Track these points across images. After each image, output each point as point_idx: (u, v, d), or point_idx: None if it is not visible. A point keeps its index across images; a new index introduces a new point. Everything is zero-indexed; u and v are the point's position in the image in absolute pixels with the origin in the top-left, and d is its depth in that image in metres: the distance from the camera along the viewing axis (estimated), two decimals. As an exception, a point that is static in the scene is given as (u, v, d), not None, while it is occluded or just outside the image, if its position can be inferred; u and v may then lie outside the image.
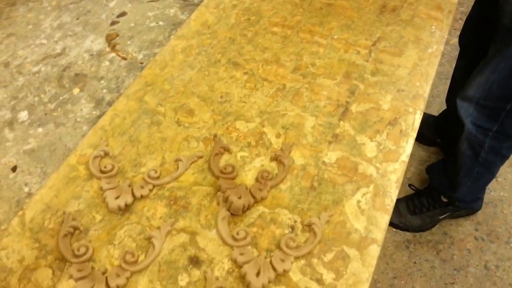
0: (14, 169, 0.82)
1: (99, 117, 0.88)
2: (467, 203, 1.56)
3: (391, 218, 1.63)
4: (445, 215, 1.58)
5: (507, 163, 1.77)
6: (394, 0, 1.05)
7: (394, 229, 1.59)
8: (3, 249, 0.70)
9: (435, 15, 1.01)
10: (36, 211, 0.74)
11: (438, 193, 1.54)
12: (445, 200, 1.52)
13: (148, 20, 1.05)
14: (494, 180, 1.72)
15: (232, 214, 0.72)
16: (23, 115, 0.89)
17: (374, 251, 0.68)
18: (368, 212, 0.72)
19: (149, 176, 0.76)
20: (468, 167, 1.39)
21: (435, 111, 1.84)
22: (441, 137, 1.77)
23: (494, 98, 1.20)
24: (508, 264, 1.58)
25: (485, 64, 1.18)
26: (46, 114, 0.88)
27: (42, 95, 0.91)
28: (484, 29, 1.19)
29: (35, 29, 1.03)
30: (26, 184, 0.80)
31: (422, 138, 1.80)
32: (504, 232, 1.66)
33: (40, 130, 0.86)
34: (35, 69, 0.96)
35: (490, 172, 1.42)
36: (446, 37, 0.96)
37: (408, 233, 1.59)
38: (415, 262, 1.54)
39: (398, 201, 1.61)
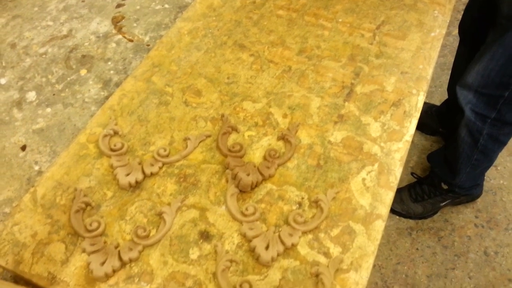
0: (23, 148, 0.83)
1: (107, 97, 0.89)
2: (466, 190, 1.59)
3: (394, 206, 1.66)
4: (446, 202, 1.61)
5: (506, 152, 1.80)
6: (397, -16, 1.06)
7: (397, 217, 1.61)
8: (16, 225, 0.71)
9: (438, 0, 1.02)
10: (48, 188, 0.75)
11: (439, 180, 1.57)
12: (445, 187, 1.55)
13: (153, 3, 1.05)
14: (493, 168, 1.75)
15: (240, 191, 0.74)
16: (31, 95, 0.90)
17: (379, 226, 0.70)
18: (373, 189, 0.74)
19: (158, 154, 0.78)
20: (467, 154, 1.41)
21: (437, 101, 1.86)
22: (443, 126, 1.79)
23: (493, 86, 1.22)
24: (507, 250, 1.61)
25: (484, 52, 1.20)
26: (54, 94, 0.89)
27: (50, 76, 0.92)
28: (483, 17, 1.20)
29: (41, 11, 1.04)
30: (36, 163, 0.81)
31: (424, 127, 1.82)
32: (503, 219, 1.69)
33: (48, 110, 0.87)
34: (41, 50, 0.96)
35: (488, 159, 1.44)
36: (448, 21, 0.98)
37: (410, 220, 1.62)
38: (417, 249, 1.57)
39: (401, 189, 1.64)
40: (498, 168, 1.77)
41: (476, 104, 1.27)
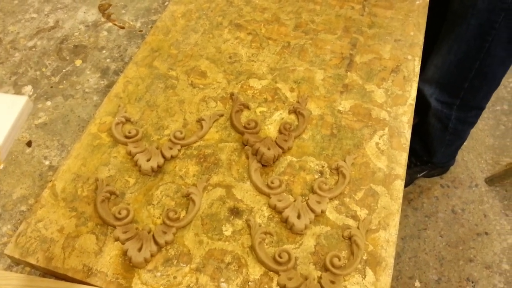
0: (29, 144, 0.81)
1: (108, 86, 0.88)
2: (444, 163, 1.68)
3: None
4: (422, 173, 1.69)
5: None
6: (377, -44, 1.09)
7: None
8: (40, 221, 0.70)
9: (417, -32, 1.06)
10: (66, 181, 0.74)
11: (417, 154, 1.64)
12: (425, 158, 1.62)
13: (138, -11, 1.04)
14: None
15: (263, 165, 0.76)
16: (27, 89, 0.87)
17: (399, 185, 0.74)
18: (388, 152, 0.77)
19: (175, 137, 0.78)
20: (439, 137, 1.49)
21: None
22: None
23: (452, 78, 1.29)
24: (472, 206, 1.71)
25: (440, 46, 1.27)
26: (51, 87, 0.87)
27: (44, 69, 0.90)
28: (438, 12, 1.26)
29: (22, 3, 1.00)
30: (45, 158, 0.79)
31: None
32: (466, 178, 1.79)
33: (48, 103, 0.85)
34: (30, 43, 0.93)
35: (460, 137, 1.52)
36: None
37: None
38: (391, 213, 1.65)
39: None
40: (458, 129, 1.86)
41: (440, 95, 1.34)
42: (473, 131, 1.57)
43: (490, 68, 1.23)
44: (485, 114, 1.90)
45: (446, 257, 1.57)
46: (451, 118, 1.40)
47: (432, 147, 1.54)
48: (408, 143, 0.79)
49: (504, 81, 1.47)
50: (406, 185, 1.69)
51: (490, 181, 1.72)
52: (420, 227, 1.67)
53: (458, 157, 1.77)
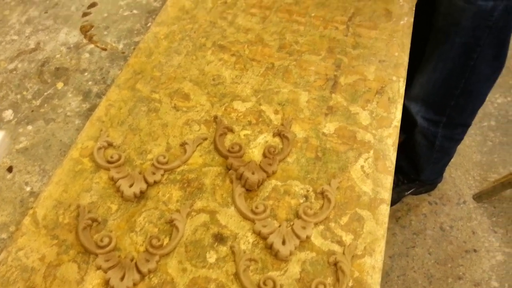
0: (10, 169, 0.79)
1: (90, 109, 0.87)
2: (431, 181, 1.68)
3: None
4: (410, 191, 1.69)
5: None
6: (360, -24, 1.10)
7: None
8: (21, 249, 0.68)
9: (401, -12, 1.07)
10: (48, 208, 0.73)
11: (404, 172, 1.64)
12: (412, 176, 1.62)
13: (121, 9, 1.03)
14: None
15: (247, 190, 0.75)
16: (8, 114, 0.86)
17: (384, 209, 0.73)
18: (373, 175, 0.77)
19: (158, 162, 0.77)
20: (426, 155, 1.49)
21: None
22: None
23: (438, 96, 1.30)
24: (460, 223, 1.70)
25: (425, 64, 1.28)
26: (32, 111, 0.86)
27: (25, 92, 0.88)
28: (423, 29, 1.27)
29: (2, 25, 0.99)
30: (26, 184, 0.78)
31: None
32: (454, 195, 1.79)
33: (30, 127, 0.84)
34: (10, 66, 0.92)
35: (447, 154, 1.53)
36: (414, 9, 1.03)
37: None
38: (377, 232, 1.64)
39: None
40: (445, 146, 1.87)
41: (426, 112, 1.35)
42: (460, 147, 1.58)
43: (475, 86, 1.23)
44: (472, 130, 1.91)
45: (435, 275, 1.56)
46: (437, 136, 1.40)
47: (419, 165, 1.54)
48: (393, 166, 0.78)
49: (490, 96, 1.48)
50: (393, 203, 1.68)
51: (478, 197, 1.72)
52: (408, 245, 1.66)
53: (446, 173, 1.77)
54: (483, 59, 1.15)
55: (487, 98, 1.32)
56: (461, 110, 1.32)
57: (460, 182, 1.81)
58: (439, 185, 1.77)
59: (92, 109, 0.89)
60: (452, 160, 1.59)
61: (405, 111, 1.37)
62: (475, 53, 1.14)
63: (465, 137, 1.44)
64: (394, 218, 1.72)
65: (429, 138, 1.42)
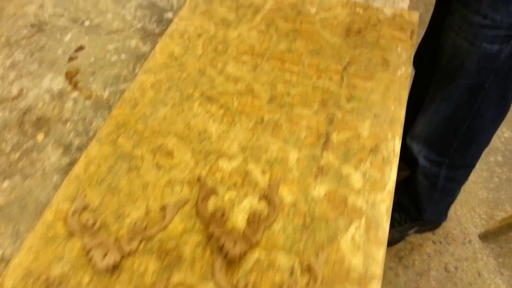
0: (-18, 230, 0.76)
1: (70, 164, 0.83)
2: (434, 220, 1.62)
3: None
4: (413, 229, 1.63)
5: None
6: (357, 22, 1.06)
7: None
8: (-17, 326, 0.64)
9: (399, 35, 1.03)
10: (16, 278, 0.68)
11: (407, 211, 1.59)
12: (414, 215, 1.57)
13: (109, 54, 1.00)
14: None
15: (228, 261, 0.70)
16: (-16, 168, 0.82)
17: (376, 286, 0.68)
18: (364, 247, 0.72)
19: (136, 228, 0.73)
20: (427, 195, 1.44)
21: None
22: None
23: (441, 137, 1.25)
24: (466, 264, 1.64)
25: (429, 104, 1.24)
26: (10, 165, 0.82)
27: (3, 144, 0.85)
28: (427, 69, 1.22)
29: (-14, 70, 0.96)
30: (-2, 246, 0.74)
31: None
32: (459, 234, 1.73)
33: (6, 184, 0.80)
34: (-9, 115, 0.89)
35: (450, 195, 1.47)
36: (412, 58, 0.98)
37: (371, 245, 1.63)
38: (379, 272, 1.58)
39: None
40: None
41: (428, 153, 1.30)
42: (466, 183, 1.52)
43: (479, 128, 1.19)
44: (478, 165, 1.85)
45: (440, 319, 1.50)
46: (439, 177, 1.35)
47: (421, 205, 1.49)
48: (386, 236, 0.74)
49: (497, 131, 1.43)
50: (396, 242, 1.63)
51: (484, 237, 1.66)
52: (411, 286, 1.60)
53: (451, 211, 1.71)
54: (488, 101, 1.11)
55: (491, 140, 1.27)
56: (464, 151, 1.27)
57: (466, 221, 1.75)
58: (444, 223, 1.71)
59: (72, 163, 0.85)
60: (458, 197, 1.54)
61: (407, 150, 1.32)
62: (479, 96, 1.10)
63: (471, 173, 1.39)
64: (397, 257, 1.66)
65: (431, 179, 1.37)
